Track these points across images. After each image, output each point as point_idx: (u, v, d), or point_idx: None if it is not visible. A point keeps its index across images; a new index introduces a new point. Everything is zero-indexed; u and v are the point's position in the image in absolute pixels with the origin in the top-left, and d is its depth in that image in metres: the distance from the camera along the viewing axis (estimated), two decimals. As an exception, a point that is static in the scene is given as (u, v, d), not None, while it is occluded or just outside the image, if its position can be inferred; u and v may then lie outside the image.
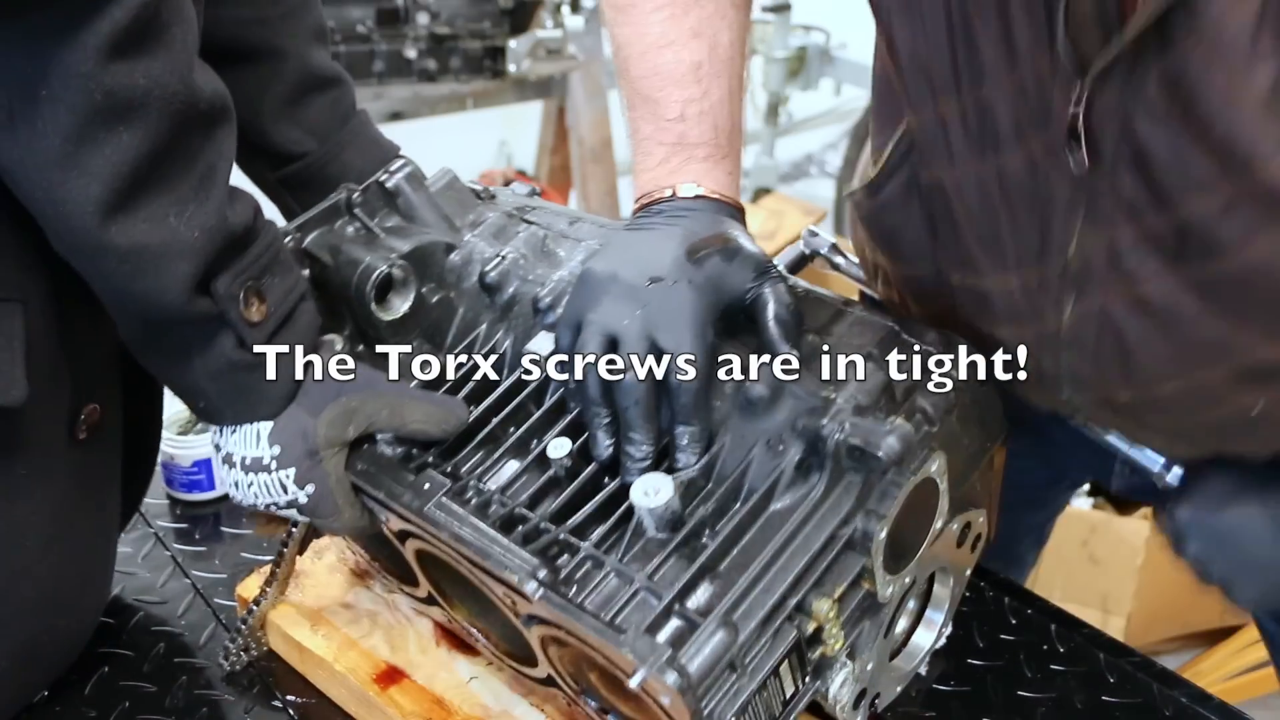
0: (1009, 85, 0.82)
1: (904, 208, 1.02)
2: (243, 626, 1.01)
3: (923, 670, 0.98)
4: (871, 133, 1.09)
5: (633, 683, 0.67)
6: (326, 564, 1.08)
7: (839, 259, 1.19)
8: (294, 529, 0.99)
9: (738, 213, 0.92)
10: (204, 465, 1.23)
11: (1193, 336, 0.84)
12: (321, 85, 1.09)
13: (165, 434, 1.23)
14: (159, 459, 1.25)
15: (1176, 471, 0.97)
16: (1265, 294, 0.78)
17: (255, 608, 1.01)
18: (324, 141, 1.09)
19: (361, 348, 0.94)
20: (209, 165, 0.76)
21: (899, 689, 0.94)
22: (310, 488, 0.84)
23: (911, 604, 0.95)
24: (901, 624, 0.94)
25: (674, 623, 0.71)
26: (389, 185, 0.96)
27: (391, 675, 0.96)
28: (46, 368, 0.81)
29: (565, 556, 0.77)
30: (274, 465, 0.84)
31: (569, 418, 0.85)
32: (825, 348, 0.83)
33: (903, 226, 1.03)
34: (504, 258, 0.94)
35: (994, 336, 0.96)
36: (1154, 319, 0.85)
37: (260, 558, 1.17)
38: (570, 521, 0.78)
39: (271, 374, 0.82)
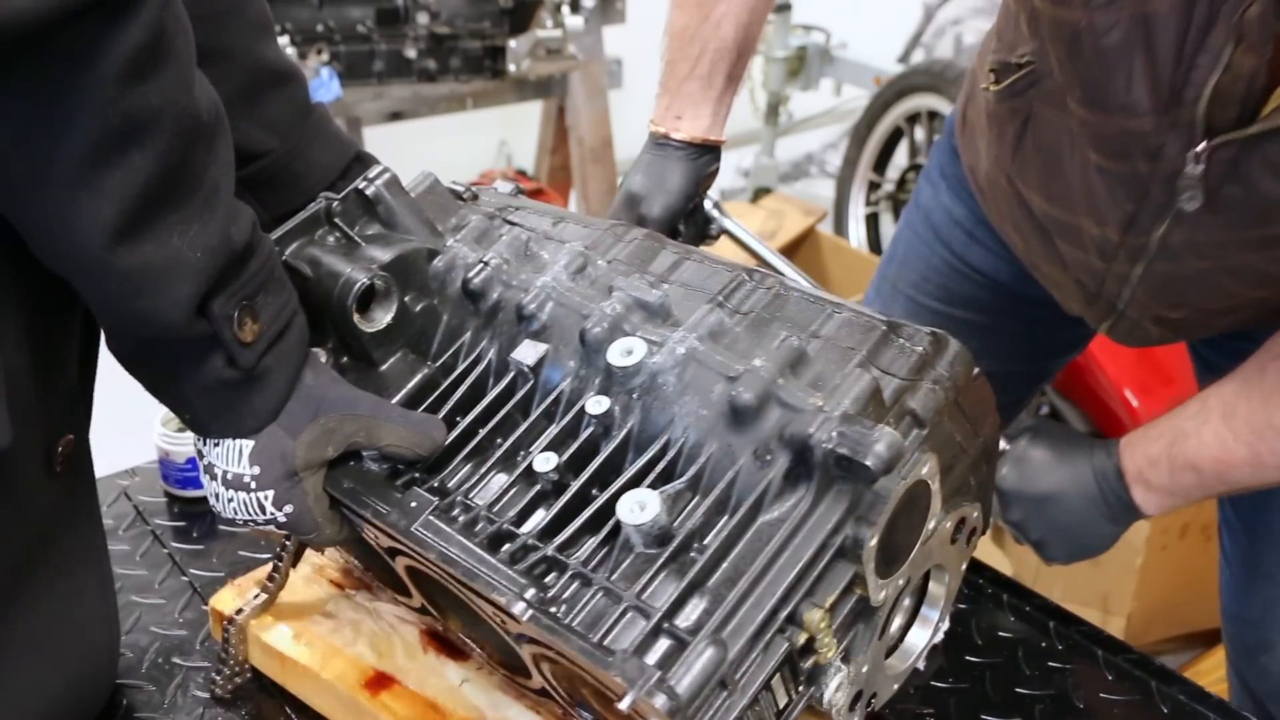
0: (1117, 118, 0.97)
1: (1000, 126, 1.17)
2: (229, 650, 1.00)
3: (920, 665, 0.98)
4: (996, 39, 1.20)
5: (622, 705, 0.67)
6: (302, 574, 1.07)
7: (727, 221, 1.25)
8: (287, 543, 0.99)
9: None
10: (198, 462, 1.22)
11: (1260, 279, 1.02)
12: (276, 80, 1.05)
13: (161, 430, 1.24)
14: (156, 455, 1.25)
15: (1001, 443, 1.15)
16: None
17: (236, 618, 0.99)
18: (286, 138, 1.06)
19: (346, 359, 0.93)
20: (214, 182, 0.74)
21: (896, 687, 0.94)
22: (289, 508, 0.84)
23: (906, 601, 0.95)
24: (897, 621, 0.94)
25: (663, 642, 0.70)
26: (368, 193, 0.94)
27: (381, 681, 0.95)
28: (23, 404, 0.80)
29: (553, 574, 0.76)
30: (253, 485, 0.84)
31: (556, 428, 0.84)
32: (814, 351, 0.82)
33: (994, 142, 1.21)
34: (487, 263, 0.92)
35: (1055, 250, 1.15)
36: (1228, 276, 1.02)
37: (258, 555, 1.17)
38: (558, 538, 0.78)
39: (260, 392, 0.81)
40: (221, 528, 1.21)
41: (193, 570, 1.15)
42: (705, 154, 1.19)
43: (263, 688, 1.01)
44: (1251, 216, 0.96)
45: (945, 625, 0.97)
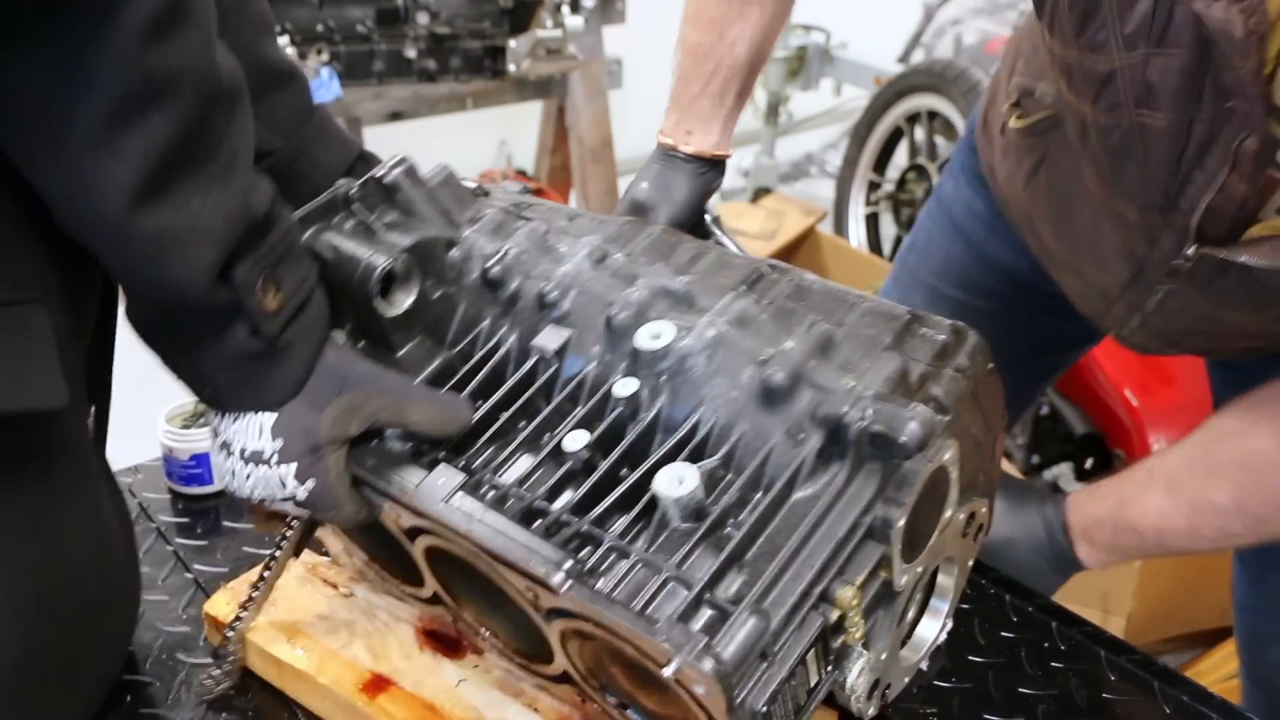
0: (1126, 208, 1.00)
1: (1020, 160, 1.20)
2: (229, 650, 0.98)
3: (924, 665, 0.98)
4: (1021, 59, 1.22)
5: (667, 672, 0.67)
6: (296, 574, 1.06)
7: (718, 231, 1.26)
8: (288, 533, 0.98)
9: None
10: (202, 460, 1.22)
11: (1261, 332, 1.04)
12: (279, 80, 1.06)
13: (165, 427, 1.23)
14: (159, 452, 1.25)
15: None
16: None
17: (237, 623, 0.98)
18: (290, 138, 1.06)
19: (363, 343, 0.93)
20: (232, 149, 0.75)
21: (905, 680, 0.95)
22: (311, 483, 0.83)
23: (918, 594, 0.95)
24: (910, 613, 0.94)
25: (706, 612, 0.71)
26: (387, 181, 0.94)
27: (378, 684, 0.95)
28: (67, 368, 0.79)
29: (588, 549, 0.76)
30: (275, 459, 0.82)
31: (582, 410, 0.84)
32: (840, 337, 0.83)
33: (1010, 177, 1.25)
34: (506, 253, 0.93)
35: (1062, 280, 1.20)
36: (1227, 336, 1.06)
37: (261, 552, 1.16)
38: (591, 514, 0.78)
39: (284, 365, 0.81)
40: (225, 524, 1.21)
41: (196, 567, 1.15)
42: (712, 168, 1.20)
43: (265, 684, 1.01)
44: (1243, 300, 0.99)
45: (949, 624, 0.97)
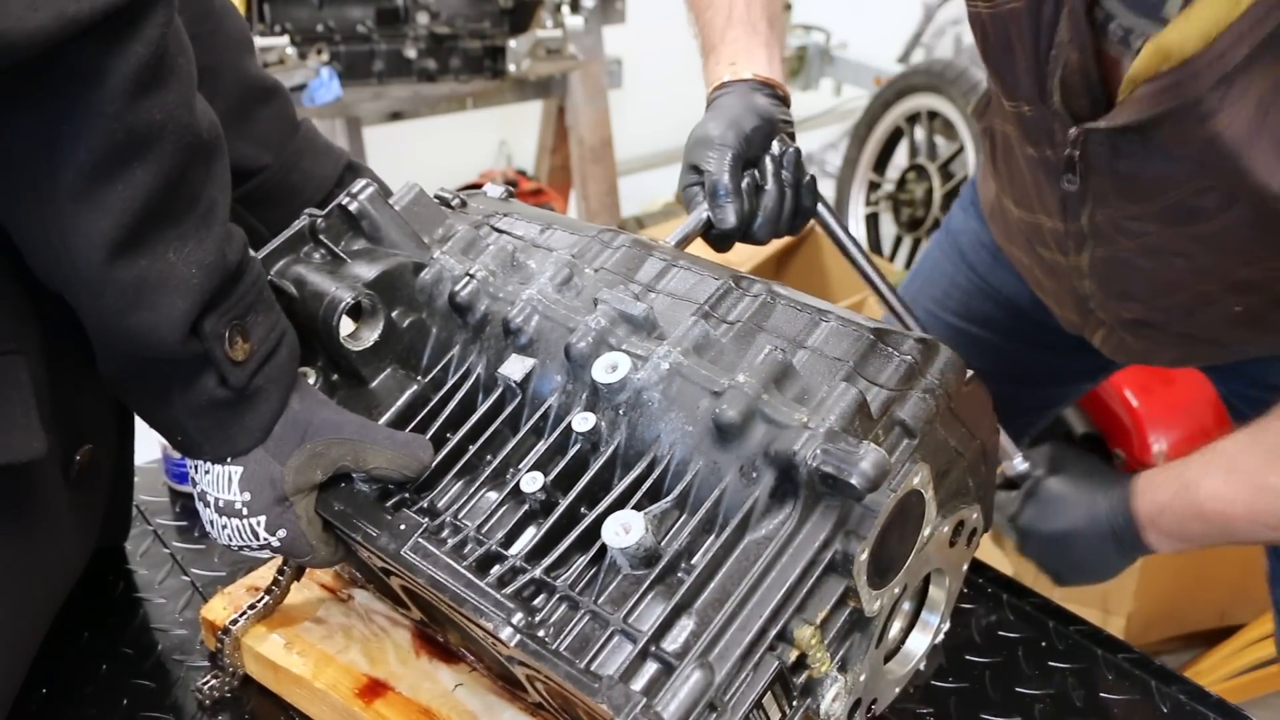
0: (1024, 107, 1.05)
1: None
2: (223, 660, 0.99)
3: (921, 665, 0.98)
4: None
5: None
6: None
7: None
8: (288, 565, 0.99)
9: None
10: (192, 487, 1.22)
11: (1189, 266, 1.06)
12: (263, 96, 1.06)
13: None
14: (157, 453, 1.25)
15: (1019, 463, 1.18)
16: (1240, 239, 1.00)
17: (231, 629, 0.99)
18: (279, 153, 1.06)
19: (336, 377, 0.93)
20: (211, 200, 0.75)
21: (896, 691, 0.94)
22: (282, 533, 0.84)
23: (906, 605, 0.94)
24: (896, 626, 0.93)
25: (650, 666, 0.70)
26: (351, 208, 0.94)
27: (374, 688, 0.95)
28: (46, 415, 0.80)
29: (542, 597, 0.76)
30: (245, 511, 0.84)
31: (544, 445, 0.84)
32: (799, 363, 0.81)
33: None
34: (473, 276, 0.92)
35: (1040, 257, 1.22)
36: (1158, 257, 1.07)
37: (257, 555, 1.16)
38: (547, 559, 0.77)
39: (252, 411, 0.82)
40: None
41: (194, 570, 1.15)
42: (774, 96, 1.09)
43: (262, 689, 1.01)
44: (1136, 194, 1.01)
45: (946, 626, 0.96)
